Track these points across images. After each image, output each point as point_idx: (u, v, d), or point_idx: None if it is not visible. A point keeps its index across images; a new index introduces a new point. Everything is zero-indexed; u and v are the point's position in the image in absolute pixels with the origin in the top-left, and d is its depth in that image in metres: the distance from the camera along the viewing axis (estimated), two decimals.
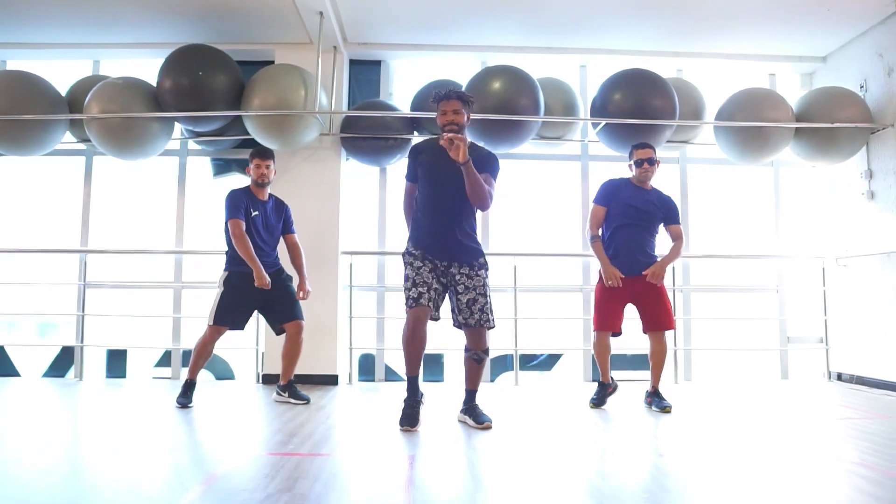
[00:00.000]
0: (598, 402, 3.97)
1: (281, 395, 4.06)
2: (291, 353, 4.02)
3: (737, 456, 2.79)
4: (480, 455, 2.80)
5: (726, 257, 5.51)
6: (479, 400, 3.45)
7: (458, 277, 3.28)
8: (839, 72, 5.28)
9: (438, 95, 3.24)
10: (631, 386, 4.64)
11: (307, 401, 4.00)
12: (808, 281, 5.52)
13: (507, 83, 4.67)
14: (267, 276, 3.84)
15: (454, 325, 3.38)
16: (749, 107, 4.82)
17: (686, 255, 5.39)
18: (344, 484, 2.34)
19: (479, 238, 3.42)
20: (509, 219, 5.43)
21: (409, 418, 3.22)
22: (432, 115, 4.75)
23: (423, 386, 4.82)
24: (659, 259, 3.93)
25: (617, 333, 3.96)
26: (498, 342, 5.15)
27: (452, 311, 3.35)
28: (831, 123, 4.75)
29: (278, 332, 4.08)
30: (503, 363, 5.42)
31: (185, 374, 4.03)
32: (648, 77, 4.78)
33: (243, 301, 3.93)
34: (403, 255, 3.36)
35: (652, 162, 3.90)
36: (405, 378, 3.30)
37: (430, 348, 5.70)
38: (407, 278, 3.27)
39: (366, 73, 5.53)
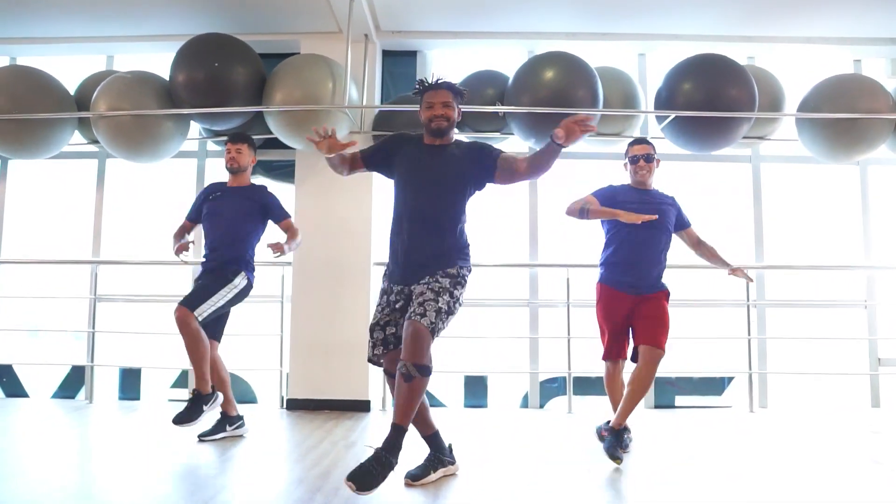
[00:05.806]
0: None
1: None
2: None
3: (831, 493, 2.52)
4: None
5: (806, 268, 4.92)
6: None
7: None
8: None
9: (424, 85, 2.69)
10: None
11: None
12: None
13: (562, 72, 4.15)
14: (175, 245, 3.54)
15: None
16: (840, 96, 4.22)
17: (760, 266, 4.83)
18: None
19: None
20: (561, 227, 4.86)
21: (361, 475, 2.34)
22: (478, 108, 4.27)
23: (463, 413, 4.37)
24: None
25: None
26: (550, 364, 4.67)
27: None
28: None
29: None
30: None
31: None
32: (723, 63, 4.20)
33: None
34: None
35: (650, 159, 3.33)
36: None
37: (473, 370, 5.09)
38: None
39: (400, 66, 5.05)
